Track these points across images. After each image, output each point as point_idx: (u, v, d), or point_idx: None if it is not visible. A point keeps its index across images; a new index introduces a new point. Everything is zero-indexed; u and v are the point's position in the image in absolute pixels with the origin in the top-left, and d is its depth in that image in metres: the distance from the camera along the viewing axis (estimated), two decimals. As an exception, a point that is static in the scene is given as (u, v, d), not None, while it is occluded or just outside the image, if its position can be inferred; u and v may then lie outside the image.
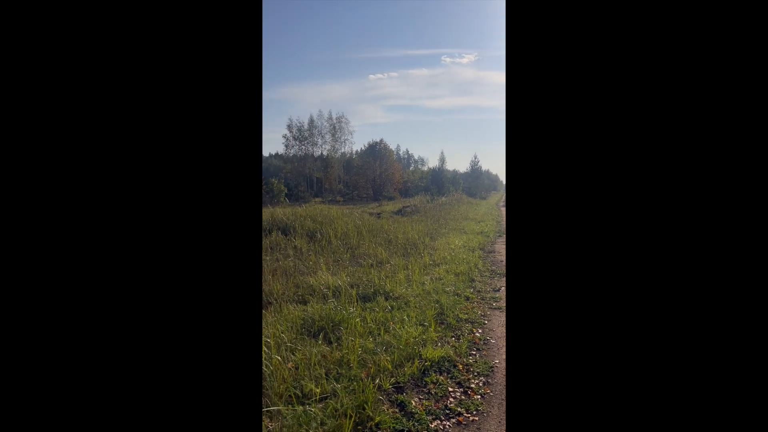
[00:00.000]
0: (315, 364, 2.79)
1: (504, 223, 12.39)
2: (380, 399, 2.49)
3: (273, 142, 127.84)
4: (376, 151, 34.77)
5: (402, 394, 2.58)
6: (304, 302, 4.22)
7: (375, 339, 3.28)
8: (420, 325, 3.61)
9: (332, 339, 3.27)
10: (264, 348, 2.82)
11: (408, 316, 3.82)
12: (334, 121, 36.31)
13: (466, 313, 4.14)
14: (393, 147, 43.87)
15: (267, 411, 2.29)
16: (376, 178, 33.95)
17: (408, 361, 2.95)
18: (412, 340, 3.24)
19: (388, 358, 2.94)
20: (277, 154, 50.82)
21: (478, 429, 2.30)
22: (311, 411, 2.27)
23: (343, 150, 37.38)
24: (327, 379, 2.64)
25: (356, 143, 52.01)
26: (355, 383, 2.57)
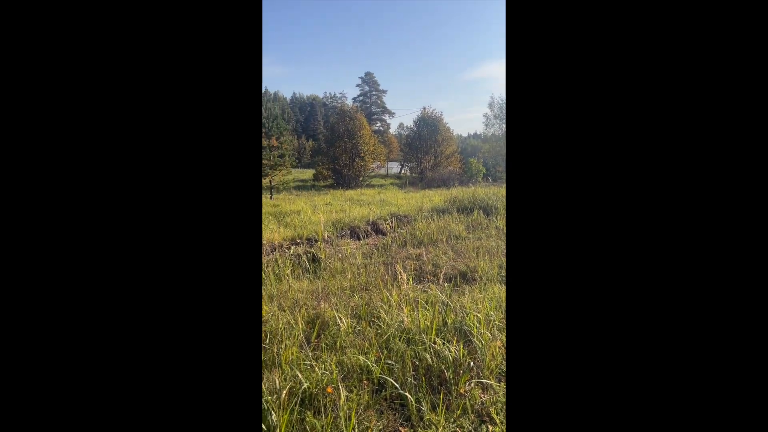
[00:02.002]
0: (525, 349, 2.72)
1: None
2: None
3: (472, 122, 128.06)
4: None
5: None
6: (509, 284, 4.14)
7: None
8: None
9: (542, 327, 3.11)
10: (475, 323, 2.92)
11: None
12: (540, 96, 33.34)
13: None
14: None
15: (479, 382, 2.38)
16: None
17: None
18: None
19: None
20: (475, 134, 50.99)
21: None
22: (524, 394, 2.23)
23: (547, 127, 34.14)
24: (539, 367, 2.53)
25: (563, 118, 45.92)
26: (572, 379, 2.38)
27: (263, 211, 10.28)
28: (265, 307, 3.50)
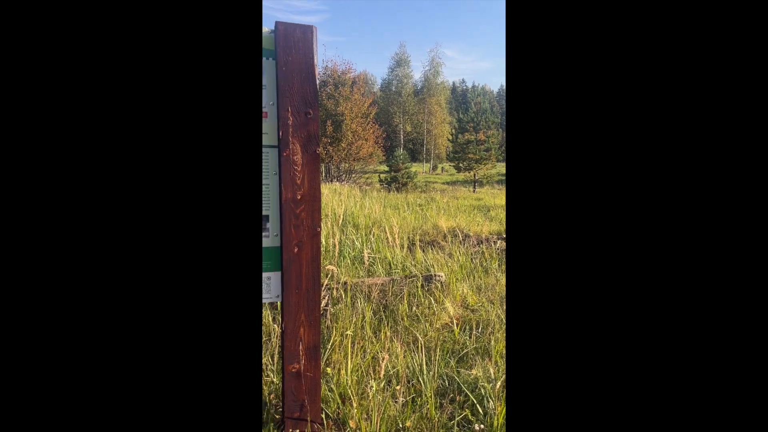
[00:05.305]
0: None
1: None
2: None
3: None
4: None
5: None
6: None
7: None
8: None
9: None
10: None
11: None
12: None
13: None
14: None
15: None
16: None
17: None
18: None
19: None
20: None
21: None
22: None
23: None
24: None
25: None
26: None
27: (467, 204, 10.58)
28: (474, 298, 3.62)
